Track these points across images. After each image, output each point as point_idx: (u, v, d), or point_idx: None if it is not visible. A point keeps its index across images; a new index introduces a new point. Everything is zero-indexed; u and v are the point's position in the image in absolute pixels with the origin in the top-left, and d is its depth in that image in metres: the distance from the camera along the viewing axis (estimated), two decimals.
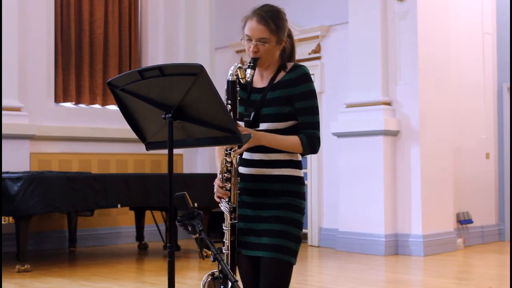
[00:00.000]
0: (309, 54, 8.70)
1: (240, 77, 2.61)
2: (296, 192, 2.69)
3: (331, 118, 8.27)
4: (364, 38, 7.91)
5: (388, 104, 7.81)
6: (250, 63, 2.66)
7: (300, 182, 2.72)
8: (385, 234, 7.60)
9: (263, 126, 2.66)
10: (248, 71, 2.63)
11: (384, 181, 7.64)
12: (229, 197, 2.61)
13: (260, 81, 2.76)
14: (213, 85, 2.29)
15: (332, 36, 8.54)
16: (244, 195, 2.69)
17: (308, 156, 8.57)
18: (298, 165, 2.72)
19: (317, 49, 8.63)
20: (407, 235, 7.65)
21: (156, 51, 9.45)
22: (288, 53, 2.77)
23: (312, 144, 2.66)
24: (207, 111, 2.30)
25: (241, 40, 2.72)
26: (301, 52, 8.78)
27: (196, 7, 9.71)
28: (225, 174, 2.60)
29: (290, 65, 2.75)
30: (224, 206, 2.63)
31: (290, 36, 2.78)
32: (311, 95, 2.69)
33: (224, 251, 2.63)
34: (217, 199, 2.66)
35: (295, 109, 2.67)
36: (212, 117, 2.31)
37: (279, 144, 2.62)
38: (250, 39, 2.66)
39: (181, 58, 9.52)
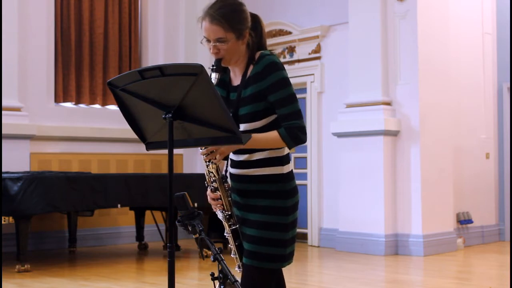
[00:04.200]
0: (309, 54, 8.70)
1: None
2: (280, 191, 2.58)
3: (331, 118, 8.26)
4: (364, 38, 7.91)
5: (388, 104, 7.81)
6: (213, 65, 2.52)
7: (284, 179, 2.59)
8: (385, 234, 7.60)
9: (242, 127, 2.58)
10: (213, 75, 2.50)
11: (384, 181, 7.64)
12: (223, 205, 2.59)
13: (235, 78, 2.65)
14: (213, 85, 2.29)
15: (332, 36, 8.54)
16: (234, 194, 2.67)
17: (308, 156, 8.58)
18: (282, 161, 2.60)
19: (317, 49, 8.63)
20: (407, 235, 7.65)
21: (156, 51, 9.45)
22: (253, 44, 2.59)
23: (294, 136, 2.50)
24: (207, 111, 2.30)
25: (201, 42, 2.58)
26: (301, 52, 8.80)
27: (196, 7, 9.70)
28: (212, 184, 2.58)
29: (258, 55, 2.59)
30: (220, 215, 2.62)
31: (257, 22, 2.61)
32: (283, 84, 2.51)
33: (232, 256, 2.64)
34: (215, 211, 2.66)
35: (270, 103, 2.53)
36: (212, 117, 2.30)
37: (258, 144, 2.52)
38: (209, 40, 2.53)
39: (181, 58, 9.51)
